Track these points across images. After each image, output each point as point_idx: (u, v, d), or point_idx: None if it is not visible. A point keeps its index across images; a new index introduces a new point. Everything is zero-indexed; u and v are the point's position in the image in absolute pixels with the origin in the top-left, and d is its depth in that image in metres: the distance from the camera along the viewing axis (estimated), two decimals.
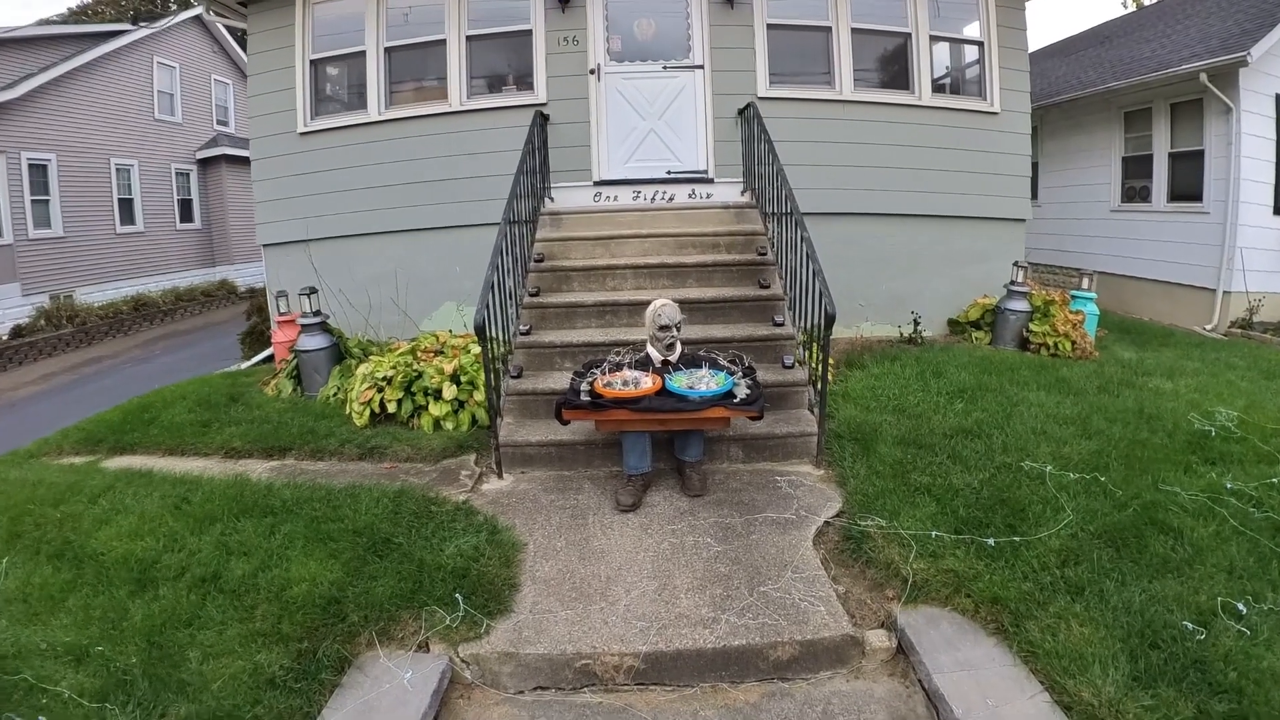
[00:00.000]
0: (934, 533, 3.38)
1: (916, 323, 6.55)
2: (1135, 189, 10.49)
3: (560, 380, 4.39)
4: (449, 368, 4.96)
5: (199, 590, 3.17)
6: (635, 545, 3.43)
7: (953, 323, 7.11)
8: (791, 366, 4.50)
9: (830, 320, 3.75)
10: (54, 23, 22.86)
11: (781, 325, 4.74)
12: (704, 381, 3.55)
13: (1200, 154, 9.46)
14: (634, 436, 3.68)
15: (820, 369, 3.93)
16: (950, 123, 7.04)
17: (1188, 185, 9.71)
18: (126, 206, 15.97)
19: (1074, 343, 6.86)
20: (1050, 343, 6.79)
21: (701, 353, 3.98)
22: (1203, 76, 8.72)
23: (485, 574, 3.23)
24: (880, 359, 5.75)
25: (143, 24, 17.43)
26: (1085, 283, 7.51)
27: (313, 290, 6.23)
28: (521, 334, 4.83)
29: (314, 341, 6.10)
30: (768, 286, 5.02)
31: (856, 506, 3.69)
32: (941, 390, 5.15)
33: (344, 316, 6.90)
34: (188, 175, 17.65)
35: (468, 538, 3.50)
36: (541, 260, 5.39)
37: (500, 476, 4.21)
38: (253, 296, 12.22)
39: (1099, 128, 10.89)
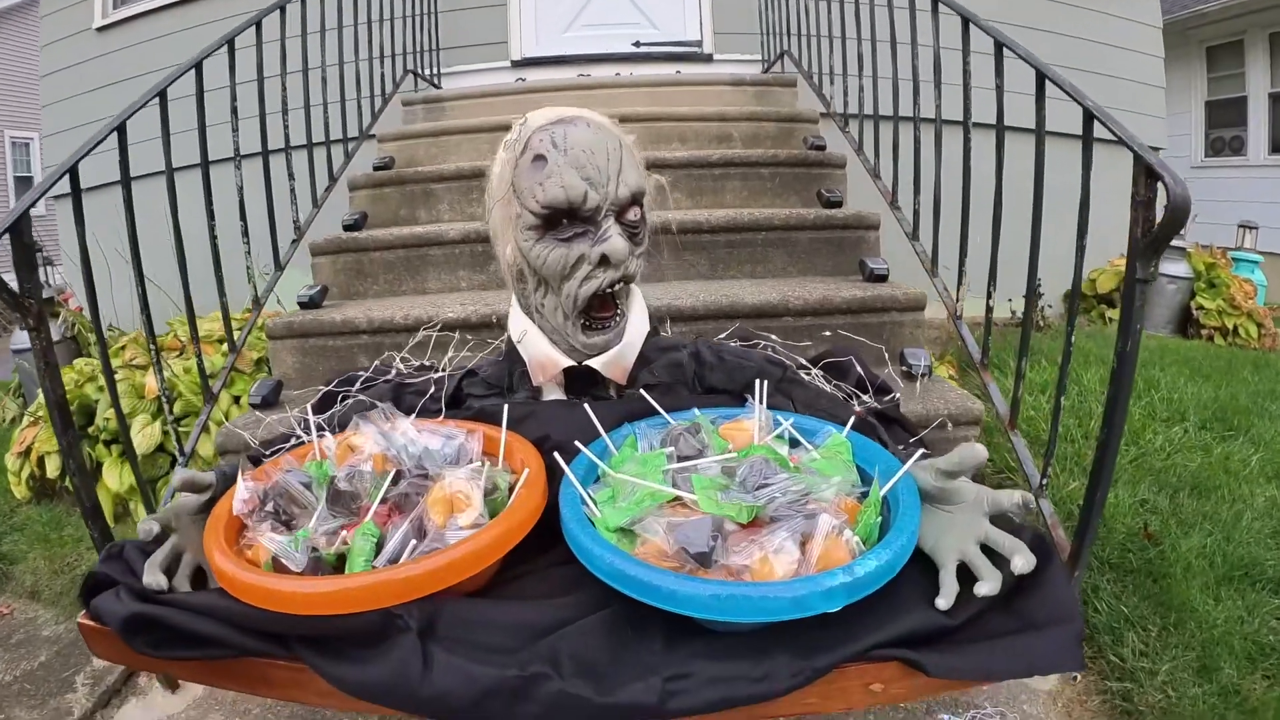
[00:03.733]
0: None
1: (1038, 295, 3.75)
2: (1224, 140, 7.80)
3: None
4: (154, 385, 2.11)
5: None
6: None
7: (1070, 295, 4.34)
8: (924, 374, 1.68)
9: None
10: None
11: (884, 278, 1.92)
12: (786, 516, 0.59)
13: None
14: None
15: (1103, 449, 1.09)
16: None
17: None
18: (26, 187, 12.92)
19: (1260, 326, 4.15)
20: (1229, 325, 4.08)
21: (713, 348, 1.01)
22: None
23: None
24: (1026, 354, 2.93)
25: None
26: (1248, 239, 4.78)
27: (37, 257, 3.33)
28: (302, 303, 1.98)
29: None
30: (839, 203, 2.20)
31: None
32: (1181, 417, 2.37)
33: (159, 296, 4.07)
34: None
35: None
36: (387, 167, 2.54)
37: (170, 687, 1.39)
38: None
39: (1174, 67, 8.14)
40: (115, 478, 2.03)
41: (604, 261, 0.83)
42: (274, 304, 2.57)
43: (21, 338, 3.38)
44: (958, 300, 1.72)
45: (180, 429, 1.95)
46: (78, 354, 3.32)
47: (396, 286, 2.10)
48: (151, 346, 1.58)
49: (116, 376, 2.30)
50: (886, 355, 1.71)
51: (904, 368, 1.73)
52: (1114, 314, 4.23)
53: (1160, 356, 3.24)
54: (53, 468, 2.25)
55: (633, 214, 0.85)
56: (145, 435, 2.04)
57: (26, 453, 2.35)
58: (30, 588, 1.93)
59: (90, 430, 2.21)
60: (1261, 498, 1.84)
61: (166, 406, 1.62)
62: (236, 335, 1.89)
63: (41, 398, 2.50)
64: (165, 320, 3.30)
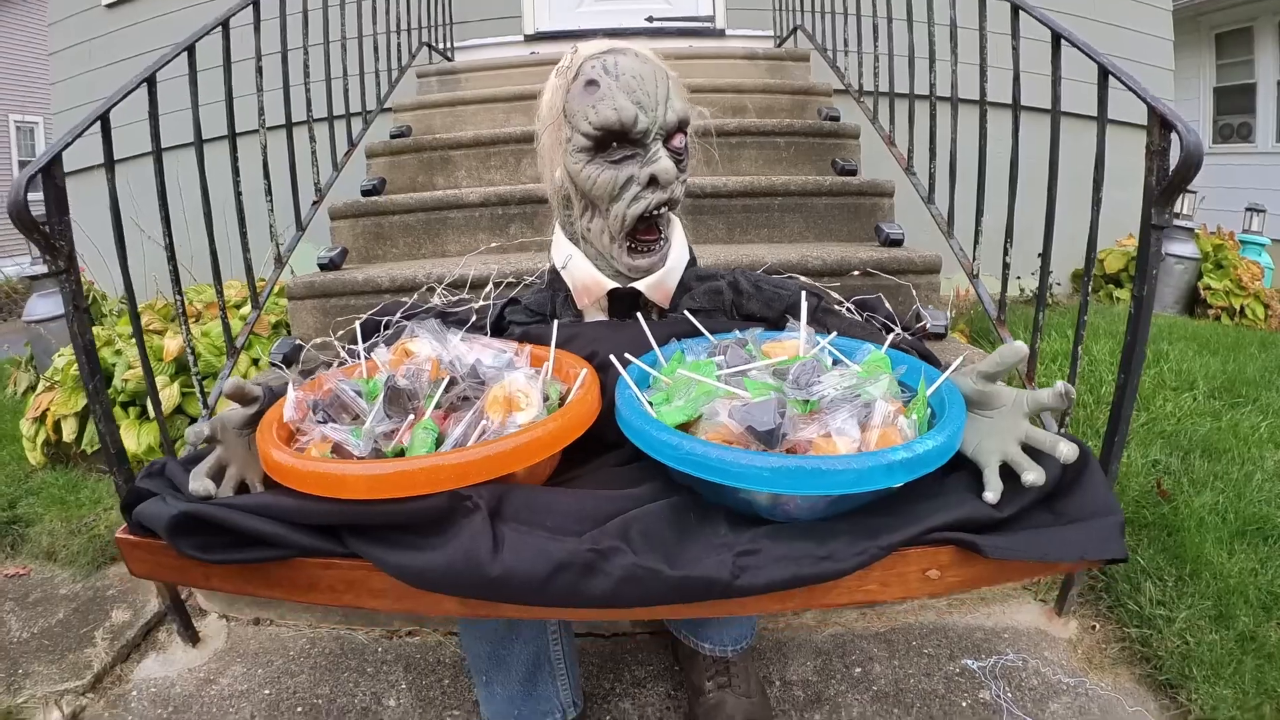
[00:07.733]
0: None
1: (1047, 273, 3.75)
2: (1232, 127, 7.78)
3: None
4: (173, 347, 2.12)
5: None
6: None
7: (1079, 276, 4.36)
8: (943, 333, 1.70)
9: None
10: None
11: (899, 242, 1.93)
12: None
13: None
14: (502, 625, 0.89)
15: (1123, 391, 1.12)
16: None
17: None
18: None
19: (1267, 307, 4.16)
20: (1236, 305, 4.09)
21: (750, 277, 1.02)
22: None
23: None
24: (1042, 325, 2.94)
25: None
26: (1255, 223, 4.78)
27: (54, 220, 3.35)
28: (323, 265, 2.00)
29: (44, 306, 3.31)
30: (853, 171, 2.21)
31: None
32: (1190, 386, 2.39)
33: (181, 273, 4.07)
34: None
35: None
36: (404, 135, 2.54)
37: (191, 641, 1.41)
38: None
39: (1183, 53, 8.09)
40: (133, 439, 2.04)
41: (652, 182, 0.85)
42: (287, 275, 2.60)
43: (35, 307, 3.38)
44: (974, 259, 1.74)
45: (202, 387, 1.97)
46: (92, 323, 3.35)
47: (415, 250, 2.11)
48: (177, 297, 1.59)
49: (119, 345, 2.33)
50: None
51: (919, 323, 1.74)
52: (1121, 293, 4.23)
53: (1169, 332, 3.25)
54: (68, 431, 2.26)
55: (678, 140, 0.88)
56: (164, 396, 2.05)
57: (42, 418, 2.37)
58: (47, 548, 1.94)
59: (108, 393, 2.23)
60: (1271, 461, 1.85)
61: (191, 358, 1.63)
62: (259, 296, 1.90)
63: (56, 364, 2.53)
64: (183, 290, 3.30)
